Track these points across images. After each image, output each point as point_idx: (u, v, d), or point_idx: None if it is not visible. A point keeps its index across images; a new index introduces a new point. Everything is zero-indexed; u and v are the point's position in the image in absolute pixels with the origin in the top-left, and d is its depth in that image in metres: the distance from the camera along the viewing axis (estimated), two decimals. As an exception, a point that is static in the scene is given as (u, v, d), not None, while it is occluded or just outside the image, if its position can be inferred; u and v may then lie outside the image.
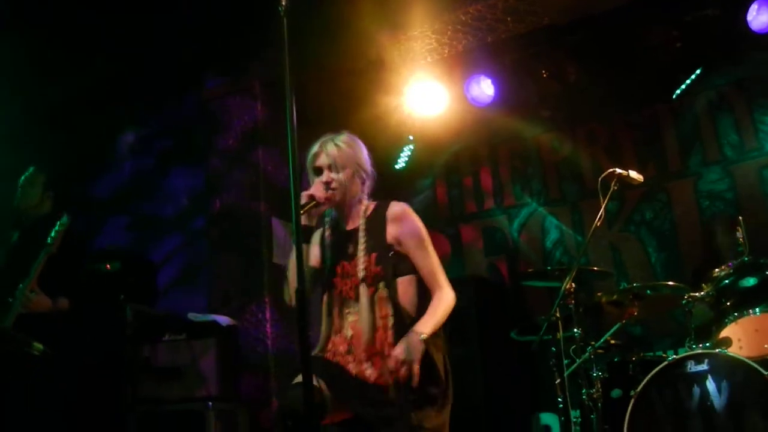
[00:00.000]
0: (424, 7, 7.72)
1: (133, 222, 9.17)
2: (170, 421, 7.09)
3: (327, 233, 4.61)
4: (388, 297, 4.34)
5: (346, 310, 4.44)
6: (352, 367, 4.34)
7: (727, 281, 6.25)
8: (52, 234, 6.09)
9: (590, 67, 8.51)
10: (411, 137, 9.42)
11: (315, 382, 3.94)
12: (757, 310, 6.08)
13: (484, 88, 8.75)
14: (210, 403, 6.98)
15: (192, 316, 7.40)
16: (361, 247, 4.40)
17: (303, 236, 4.18)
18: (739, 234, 6.54)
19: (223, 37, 8.39)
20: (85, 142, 8.82)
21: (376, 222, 4.46)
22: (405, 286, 4.42)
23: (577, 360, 6.32)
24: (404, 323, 4.31)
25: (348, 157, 4.45)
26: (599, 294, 6.68)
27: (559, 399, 5.96)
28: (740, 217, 6.66)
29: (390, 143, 9.40)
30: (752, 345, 5.96)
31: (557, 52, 8.44)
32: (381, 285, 4.35)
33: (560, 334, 5.91)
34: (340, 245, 4.53)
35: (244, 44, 8.40)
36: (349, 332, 4.40)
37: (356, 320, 4.38)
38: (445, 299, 4.39)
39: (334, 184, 4.40)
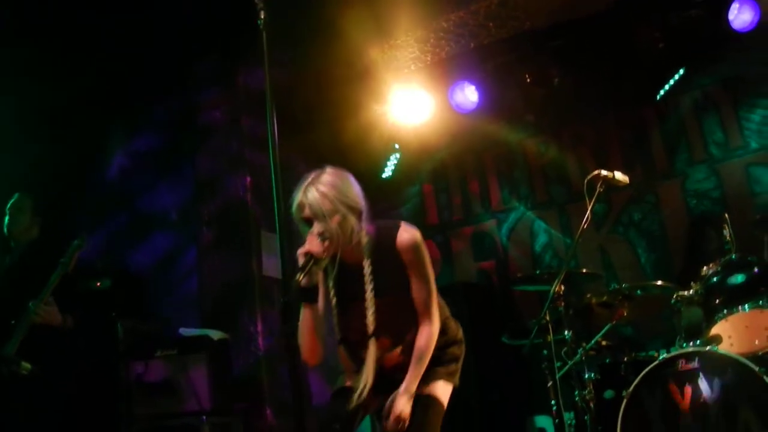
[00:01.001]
0: (406, 15, 7.75)
1: (127, 228, 9.15)
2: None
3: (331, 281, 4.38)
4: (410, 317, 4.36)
5: (364, 354, 4.32)
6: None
7: (715, 279, 6.26)
8: (69, 253, 6.15)
9: (574, 71, 8.52)
10: (397, 146, 9.42)
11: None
12: (746, 306, 6.08)
13: (468, 95, 8.76)
14: (204, 417, 6.97)
15: (183, 331, 7.40)
16: (369, 294, 4.24)
17: (310, 298, 4.17)
18: (726, 232, 6.57)
19: (208, 43, 8.41)
20: (78, 144, 8.77)
21: (387, 255, 4.27)
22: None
23: (569, 362, 6.34)
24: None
25: (334, 201, 4.11)
26: (589, 296, 6.68)
27: (553, 402, 5.96)
28: (726, 215, 6.69)
29: (376, 152, 9.41)
30: (743, 341, 5.96)
31: (540, 56, 8.45)
32: (390, 343, 4.37)
33: (551, 337, 5.91)
34: (348, 288, 4.35)
35: (230, 50, 8.43)
36: (381, 355, 4.38)
37: (383, 347, 4.37)
38: (431, 339, 4.31)
39: (326, 234, 4.08)
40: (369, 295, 4.21)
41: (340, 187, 4.18)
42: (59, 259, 6.14)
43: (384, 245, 4.26)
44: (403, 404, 4.20)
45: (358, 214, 4.21)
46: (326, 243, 4.07)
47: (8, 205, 6.57)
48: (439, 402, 4.38)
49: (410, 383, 4.25)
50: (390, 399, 4.24)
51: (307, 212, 4.13)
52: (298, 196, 4.16)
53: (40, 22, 7.66)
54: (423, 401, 4.33)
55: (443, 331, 4.47)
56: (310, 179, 4.17)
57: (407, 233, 4.28)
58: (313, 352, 4.23)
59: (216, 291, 8.19)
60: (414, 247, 4.26)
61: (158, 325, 7.86)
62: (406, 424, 4.21)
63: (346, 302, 4.35)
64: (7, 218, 6.58)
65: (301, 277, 3.98)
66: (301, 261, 4.04)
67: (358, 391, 4.22)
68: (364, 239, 4.24)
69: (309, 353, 4.22)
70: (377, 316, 4.23)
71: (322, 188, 4.10)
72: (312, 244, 4.06)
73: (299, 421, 3.34)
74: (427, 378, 4.38)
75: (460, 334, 4.69)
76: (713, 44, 8.16)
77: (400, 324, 4.33)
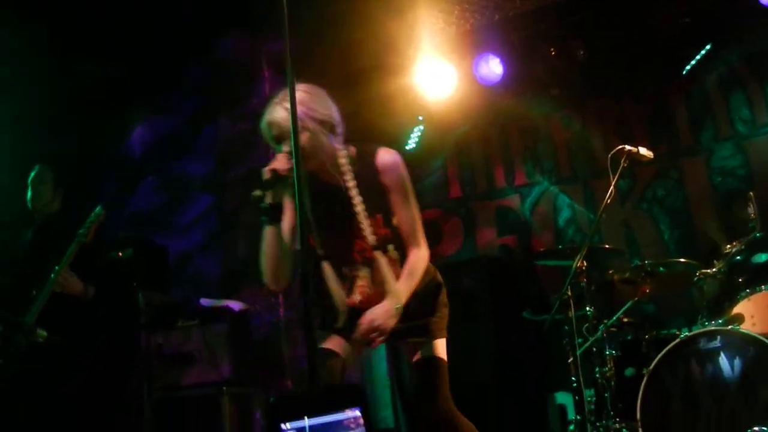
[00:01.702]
0: (430, -15, 7.70)
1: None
2: (185, 406, 7.12)
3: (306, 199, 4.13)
4: (399, 258, 4.26)
5: (354, 273, 4.29)
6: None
7: (739, 257, 6.22)
8: (86, 224, 6.17)
9: (599, 45, 8.44)
10: (421, 118, 9.38)
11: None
12: (770, 286, 6.05)
13: (493, 67, 8.69)
14: (224, 388, 6.99)
15: (204, 301, 7.42)
16: (359, 208, 4.13)
17: (274, 216, 4.06)
18: (751, 210, 6.52)
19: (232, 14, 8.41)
20: (100, 121, 8.78)
21: (368, 176, 4.20)
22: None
23: (590, 339, 6.32)
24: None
25: (302, 118, 3.96)
26: (611, 272, 6.66)
27: (573, 378, 5.94)
28: (751, 193, 6.63)
29: (400, 124, 9.37)
30: (765, 321, 5.92)
31: (565, 29, 8.38)
32: (391, 248, 4.24)
33: (572, 313, 5.88)
34: (328, 206, 4.25)
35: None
36: (357, 297, 4.29)
37: (365, 285, 4.28)
38: (422, 260, 4.25)
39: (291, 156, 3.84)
40: (359, 208, 4.13)
41: (309, 102, 4.10)
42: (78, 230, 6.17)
43: (363, 165, 4.20)
44: (384, 314, 4.06)
45: (330, 128, 4.15)
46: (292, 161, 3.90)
47: (30, 179, 6.57)
48: (445, 361, 4.37)
49: (399, 294, 4.12)
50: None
51: (275, 131, 4.07)
52: (266, 115, 4.12)
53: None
54: (432, 366, 4.33)
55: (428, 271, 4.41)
56: (279, 97, 4.09)
57: (388, 154, 4.26)
58: (277, 276, 4.15)
59: (237, 262, 8.20)
60: (395, 168, 4.23)
61: (179, 296, 7.88)
62: (378, 339, 4.11)
63: (327, 219, 4.25)
64: (29, 191, 6.57)
65: (260, 193, 3.93)
66: (266, 176, 3.97)
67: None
68: (342, 158, 4.16)
69: (272, 277, 4.16)
70: (375, 229, 4.17)
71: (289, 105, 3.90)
72: (280, 161, 3.98)
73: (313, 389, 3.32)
74: (429, 335, 4.36)
75: (439, 275, 4.56)
76: (740, 19, 8.07)
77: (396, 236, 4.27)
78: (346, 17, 8.08)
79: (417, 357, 4.35)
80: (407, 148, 9.58)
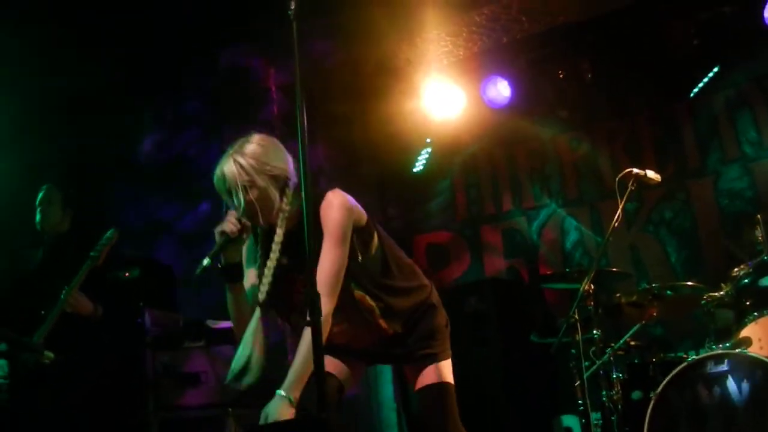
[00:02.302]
0: (438, 9, 7.73)
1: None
2: (190, 427, 7.10)
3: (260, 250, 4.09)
4: (364, 293, 4.10)
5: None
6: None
7: (746, 281, 6.20)
8: (98, 247, 6.15)
9: (607, 66, 8.46)
10: (429, 140, 9.39)
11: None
12: (777, 309, 6.04)
13: (501, 90, 8.71)
14: (230, 409, 6.98)
15: (210, 322, 7.40)
16: (284, 260, 3.96)
17: (232, 276, 3.96)
18: (758, 233, 6.50)
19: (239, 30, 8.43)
20: (107, 130, 8.78)
21: (315, 223, 3.88)
22: (371, 258, 4.15)
23: (597, 362, 6.29)
24: (390, 304, 4.17)
25: (252, 173, 3.87)
26: (618, 295, 6.64)
27: (580, 402, 5.92)
28: (759, 216, 6.62)
29: (407, 147, 9.39)
30: (773, 345, 5.92)
31: (573, 51, 8.41)
32: (352, 284, 4.05)
33: (579, 336, 5.86)
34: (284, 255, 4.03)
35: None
36: (342, 337, 4.17)
37: (345, 328, 4.15)
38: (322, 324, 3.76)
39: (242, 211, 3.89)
40: (284, 261, 3.96)
41: (262, 156, 3.94)
42: (89, 251, 6.16)
43: (313, 213, 3.86)
44: (276, 411, 3.85)
45: (283, 183, 3.98)
46: (243, 221, 3.87)
47: (38, 200, 6.56)
48: (452, 385, 4.31)
49: (291, 387, 3.91)
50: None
51: (225, 185, 3.91)
52: (218, 167, 3.94)
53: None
54: (440, 392, 4.27)
55: (419, 287, 4.34)
56: (231, 149, 3.94)
57: (331, 195, 4.02)
58: (243, 330, 4.00)
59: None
60: (329, 209, 3.97)
61: (186, 316, 7.86)
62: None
63: (283, 271, 4.03)
64: (38, 214, 6.56)
65: (208, 261, 3.73)
66: (217, 238, 3.84)
67: None
68: (283, 210, 3.96)
69: (239, 331, 4.02)
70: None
71: (240, 159, 3.87)
72: (229, 223, 3.86)
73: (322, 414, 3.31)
74: (428, 358, 4.28)
75: (436, 294, 4.43)
76: (747, 41, 8.07)
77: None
78: (355, 39, 8.11)
79: (423, 384, 4.28)
80: (415, 170, 9.59)
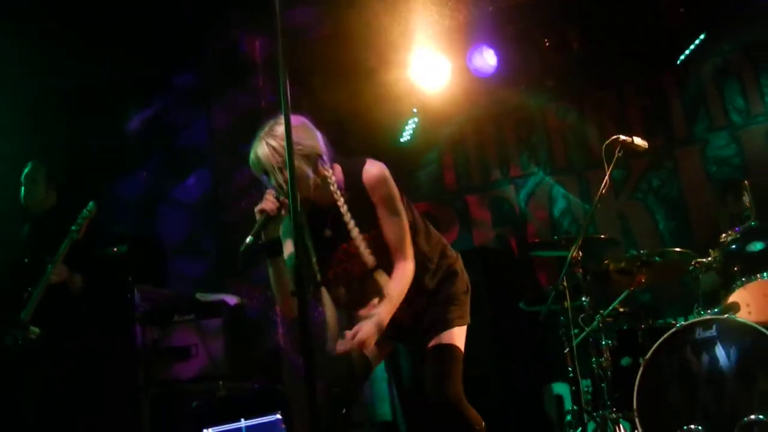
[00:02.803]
0: (424, -22, 7.69)
1: (147, 189, 9.17)
2: (182, 401, 7.11)
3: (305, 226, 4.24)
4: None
5: (357, 286, 4.29)
6: None
7: (734, 246, 6.24)
8: (78, 221, 6.19)
9: (593, 35, 8.44)
10: (415, 110, 9.37)
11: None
12: (765, 274, 6.06)
13: (487, 59, 8.67)
14: (220, 382, 6.99)
15: (200, 296, 7.41)
16: (351, 225, 4.11)
17: (272, 252, 4.11)
18: (746, 199, 6.53)
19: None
20: (96, 113, 8.76)
21: (356, 194, 4.20)
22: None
23: (586, 329, 6.31)
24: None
25: (285, 153, 3.86)
26: (607, 262, 6.66)
27: (569, 369, 5.94)
28: (746, 182, 6.64)
29: (394, 117, 9.36)
30: (761, 310, 5.94)
31: (560, 20, 8.39)
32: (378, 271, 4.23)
33: (568, 304, 5.88)
34: (323, 231, 4.28)
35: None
36: (370, 300, 4.26)
37: (370, 292, 4.25)
38: (406, 275, 4.18)
39: (280, 189, 4.05)
40: (355, 232, 4.11)
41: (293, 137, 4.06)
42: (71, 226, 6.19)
43: (351, 183, 4.21)
44: (369, 331, 4.00)
45: (315, 159, 4.13)
46: (282, 199, 4.01)
47: (23, 176, 6.58)
48: (459, 350, 4.35)
49: (383, 317, 4.07)
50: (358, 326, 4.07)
51: (261, 166, 4.09)
52: (252, 151, 4.13)
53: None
54: (445, 352, 4.31)
55: (443, 256, 4.50)
56: (262, 132, 4.11)
57: (373, 168, 4.23)
58: (289, 305, 4.19)
59: (235, 254, 8.20)
60: (381, 182, 4.21)
61: (175, 291, 7.87)
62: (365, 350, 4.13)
63: (325, 243, 4.27)
64: (22, 189, 6.58)
65: (251, 240, 3.91)
66: (257, 216, 4.00)
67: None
68: (330, 180, 4.14)
69: (284, 306, 4.23)
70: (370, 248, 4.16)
71: (272, 141, 4.03)
72: (267, 202, 4.01)
73: (311, 389, 3.31)
74: (444, 324, 4.34)
75: (460, 262, 4.58)
76: (734, 9, 8.07)
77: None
78: (340, 10, 8.07)
79: (432, 343, 4.33)
80: (402, 140, 9.57)
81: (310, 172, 4.10)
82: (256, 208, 4.02)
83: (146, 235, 8.76)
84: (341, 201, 4.11)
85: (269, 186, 4.09)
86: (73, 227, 6.17)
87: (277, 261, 4.14)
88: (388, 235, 4.19)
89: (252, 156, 4.12)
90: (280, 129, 3.96)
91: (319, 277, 4.27)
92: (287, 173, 3.63)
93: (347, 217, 4.10)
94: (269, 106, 8.41)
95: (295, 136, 3.93)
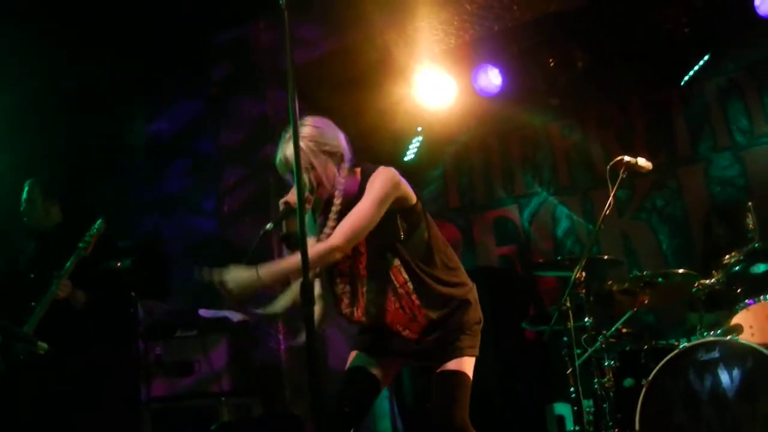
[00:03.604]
0: (430, -3, 7.72)
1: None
2: (184, 416, 7.11)
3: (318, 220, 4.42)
4: (401, 264, 4.32)
5: (362, 289, 4.37)
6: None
7: (737, 268, 6.22)
8: (86, 238, 6.22)
9: (598, 54, 8.44)
10: (420, 129, 9.38)
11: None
12: (768, 296, 6.06)
13: (492, 78, 8.69)
14: (223, 398, 6.99)
15: (204, 312, 7.41)
16: (333, 216, 4.28)
17: (291, 243, 4.17)
18: (750, 220, 6.53)
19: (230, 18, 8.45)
20: (101, 125, 8.77)
21: (362, 192, 4.32)
22: (414, 242, 4.37)
23: (589, 349, 6.30)
24: (424, 282, 4.33)
25: (311, 153, 4.22)
26: (610, 282, 6.64)
27: (572, 389, 5.93)
28: (750, 203, 6.64)
29: (399, 135, 9.38)
30: (764, 331, 5.93)
31: (565, 39, 8.39)
32: (389, 255, 4.32)
33: (571, 324, 5.87)
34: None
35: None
36: (372, 310, 4.36)
37: (375, 297, 4.34)
38: (319, 252, 4.12)
39: (307, 186, 4.19)
40: (332, 222, 4.25)
41: (318, 137, 4.27)
42: (78, 242, 6.21)
43: (364, 186, 4.31)
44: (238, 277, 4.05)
45: (340, 158, 4.31)
46: (307, 194, 4.13)
47: (22, 197, 6.62)
48: (468, 377, 4.36)
49: (266, 271, 4.09)
50: None
51: (287, 166, 4.27)
52: (279, 151, 4.31)
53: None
54: (454, 378, 4.33)
55: (461, 282, 4.50)
56: (287, 134, 4.24)
57: (384, 169, 4.34)
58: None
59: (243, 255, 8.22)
60: (378, 175, 4.30)
61: (178, 306, 7.87)
62: None
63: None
64: (22, 208, 6.62)
65: (270, 226, 4.07)
66: (281, 208, 4.14)
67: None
68: (342, 180, 4.30)
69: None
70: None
71: (299, 142, 4.02)
72: (291, 194, 4.14)
73: (316, 406, 3.32)
74: (455, 351, 4.35)
75: (476, 294, 4.59)
76: (739, 29, 8.08)
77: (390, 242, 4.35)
78: (347, 27, 8.09)
79: (442, 368, 4.35)
80: (406, 159, 9.58)
81: (334, 170, 4.27)
82: (281, 201, 4.16)
83: (149, 248, 8.75)
84: (337, 203, 4.27)
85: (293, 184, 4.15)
86: (80, 244, 6.19)
87: (294, 254, 4.15)
88: (347, 217, 4.21)
89: (279, 156, 4.30)
90: (306, 129, 4.25)
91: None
92: (311, 172, 4.12)
93: (333, 220, 4.24)
94: (275, 121, 8.43)
95: (320, 135, 4.28)
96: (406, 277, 4.32)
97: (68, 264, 6.15)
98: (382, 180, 4.27)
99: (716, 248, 6.86)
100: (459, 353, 4.35)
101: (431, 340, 4.37)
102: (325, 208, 4.34)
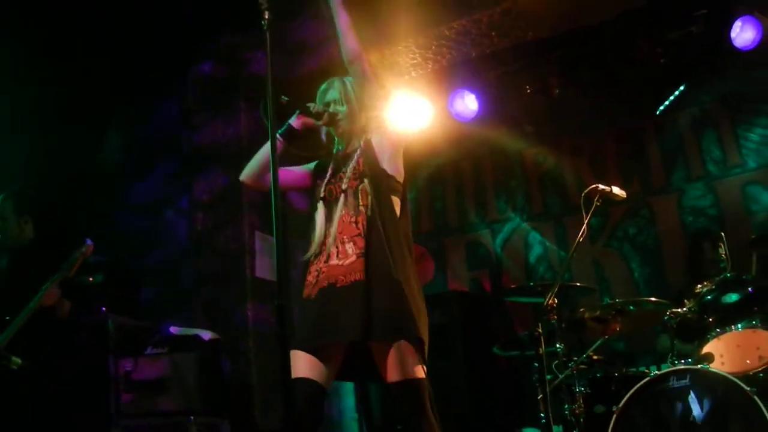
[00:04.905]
0: (408, 21, 7.71)
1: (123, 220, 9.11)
2: (152, 434, 7.05)
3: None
4: (371, 190, 4.34)
5: (336, 212, 4.38)
6: (339, 279, 4.27)
7: (709, 297, 6.25)
8: (72, 260, 6.13)
9: (574, 82, 8.50)
10: (394, 151, 9.38)
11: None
12: (740, 326, 6.10)
13: (468, 103, 8.72)
14: (191, 417, 6.94)
15: (174, 329, 7.37)
16: (355, 155, 4.47)
17: (290, 136, 4.49)
18: (722, 250, 6.58)
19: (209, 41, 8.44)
20: (76, 139, 8.72)
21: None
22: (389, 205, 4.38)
23: (560, 375, 6.31)
24: (376, 223, 4.28)
25: (352, 95, 4.53)
26: (582, 309, 6.66)
27: (542, 415, 5.94)
28: (722, 234, 6.69)
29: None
30: (734, 361, 5.97)
31: (541, 66, 8.44)
32: (366, 180, 4.37)
33: (542, 350, 5.89)
34: (338, 166, 4.54)
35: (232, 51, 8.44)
36: (335, 228, 4.33)
37: (343, 213, 4.34)
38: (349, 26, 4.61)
39: (332, 108, 4.50)
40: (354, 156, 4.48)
41: (369, 93, 4.52)
42: (58, 259, 6.13)
43: None
44: None
45: (367, 118, 4.53)
46: (332, 110, 4.49)
47: None
48: (423, 382, 4.19)
49: None
50: None
51: (329, 95, 4.57)
52: (328, 81, 4.65)
53: (39, 17, 7.63)
54: (412, 389, 4.16)
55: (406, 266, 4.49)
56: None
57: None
58: (258, 177, 4.59)
59: (208, 290, 8.18)
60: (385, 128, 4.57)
61: (149, 323, 7.83)
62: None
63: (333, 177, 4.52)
64: None
65: (287, 99, 4.32)
66: (314, 109, 4.46)
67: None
68: (361, 134, 4.53)
69: (254, 176, 4.60)
70: (354, 166, 4.45)
71: (349, 84, 4.57)
72: (315, 106, 4.49)
73: (288, 426, 3.31)
74: (405, 358, 4.16)
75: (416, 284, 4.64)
76: (714, 61, 8.16)
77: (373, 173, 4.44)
78: (322, 48, 8.10)
79: (393, 378, 4.16)
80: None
81: (360, 122, 4.54)
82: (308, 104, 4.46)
83: (121, 264, 8.70)
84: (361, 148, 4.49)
85: (321, 102, 4.55)
86: (63, 264, 6.10)
87: (282, 146, 4.47)
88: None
89: (327, 83, 4.63)
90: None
91: (322, 194, 4.49)
92: (341, 107, 4.47)
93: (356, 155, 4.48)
94: (249, 140, 8.41)
95: (371, 99, 4.53)
96: (368, 201, 4.34)
97: (50, 282, 6.07)
98: (395, 136, 4.58)
99: (701, 274, 6.89)
100: (408, 332, 4.24)
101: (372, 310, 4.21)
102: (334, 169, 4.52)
